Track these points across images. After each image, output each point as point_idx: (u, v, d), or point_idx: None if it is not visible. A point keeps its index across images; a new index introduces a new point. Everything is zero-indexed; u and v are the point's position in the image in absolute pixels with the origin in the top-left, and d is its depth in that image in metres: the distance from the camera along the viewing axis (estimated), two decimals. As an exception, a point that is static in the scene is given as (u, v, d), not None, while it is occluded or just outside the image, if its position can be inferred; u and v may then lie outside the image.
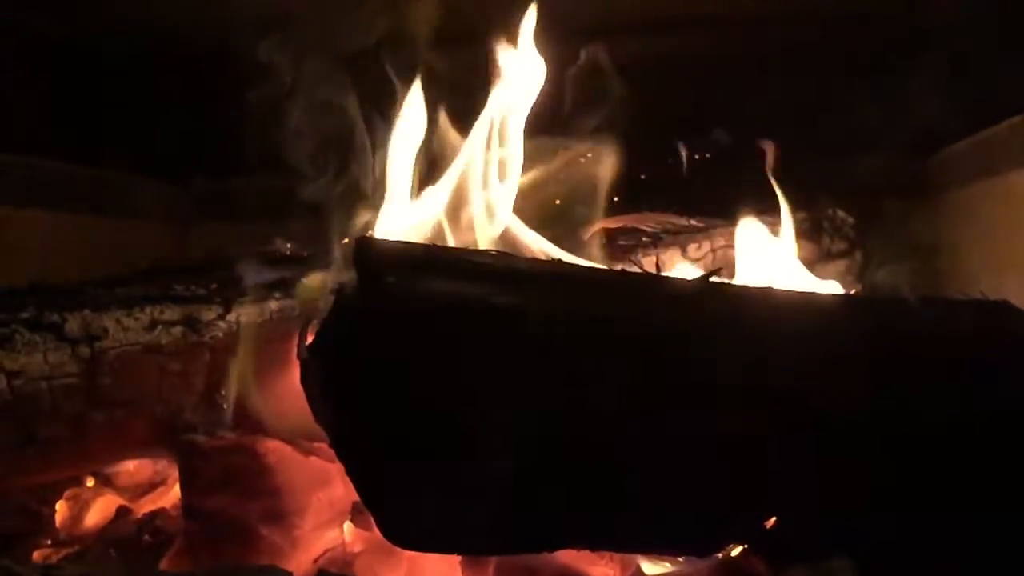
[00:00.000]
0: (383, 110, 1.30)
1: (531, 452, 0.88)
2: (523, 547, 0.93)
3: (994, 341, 0.98)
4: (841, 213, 1.61)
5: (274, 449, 1.12)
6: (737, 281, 1.22)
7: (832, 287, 1.29)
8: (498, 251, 0.95)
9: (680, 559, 0.99)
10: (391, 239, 1.20)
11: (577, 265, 1.02)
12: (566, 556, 0.98)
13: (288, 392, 1.11)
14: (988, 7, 1.68)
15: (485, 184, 1.26)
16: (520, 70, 1.29)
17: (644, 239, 1.54)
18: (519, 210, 1.28)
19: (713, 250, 1.49)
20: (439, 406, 0.87)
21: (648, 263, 1.51)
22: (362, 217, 1.29)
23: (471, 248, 1.17)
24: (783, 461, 0.91)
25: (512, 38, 1.30)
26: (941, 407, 0.93)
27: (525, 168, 1.31)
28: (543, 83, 1.29)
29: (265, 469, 1.11)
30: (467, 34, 1.27)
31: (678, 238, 1.52)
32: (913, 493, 0.92)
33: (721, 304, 0.97)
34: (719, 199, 1.50)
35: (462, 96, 1.33)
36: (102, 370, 1.12)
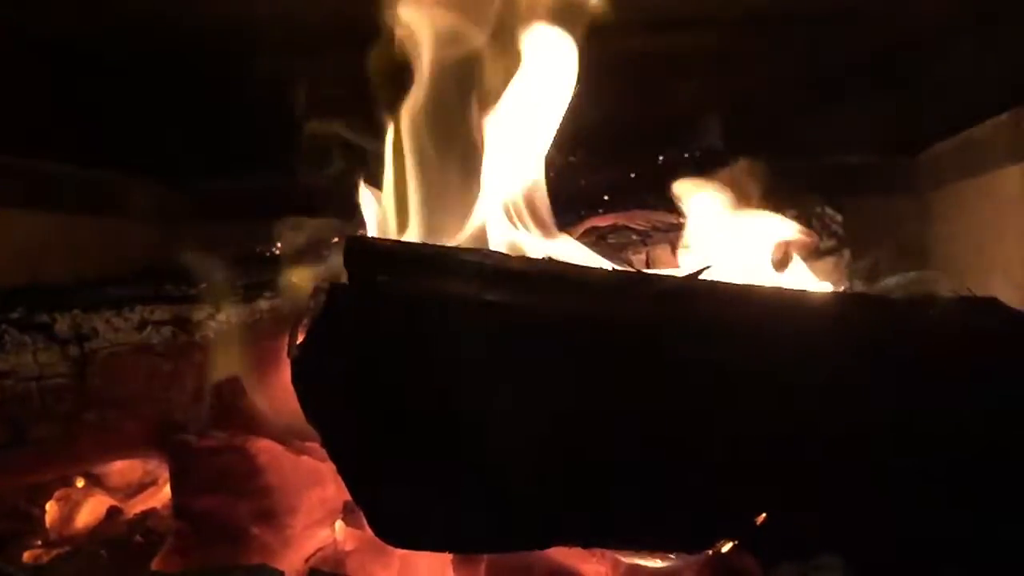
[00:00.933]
0: (377, 108, 1.31)
1: (522, 450, 0.88)
2: (515, 545, 0.94)
3: (982, 338, 0.99)
4: (830, 210, 1.61)
5: (265, 449, 1.12)
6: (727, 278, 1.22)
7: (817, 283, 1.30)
8: (489, 249, 0.95)
9: (671, 556, 0.99)
10: (382, 238, 1.20)
11: (567, 263, 1.02)
12: (558, 553, 0.98)
13: (279, 391, 1.11)
14: (972, 5, 1.68)
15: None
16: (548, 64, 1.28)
17: (634, 237, 1.55)
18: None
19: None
20: (430, 404, 0.87)
21: (638, 261, 1.51)
22: (354, 216, 1.30)
23: (462, 247, 1.17)
24: (772, 458, 0.91)
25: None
26: (929, 404, 0.93)
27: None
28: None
29: (256, 469, 1.11)
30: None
31: (668, 236, 1.53)
32: (903, 490, 0.93)
33: (711, 301, 0.97)
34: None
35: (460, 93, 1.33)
36: (92, 370, 1.13)
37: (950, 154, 1.93)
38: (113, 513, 1.30)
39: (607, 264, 1.18)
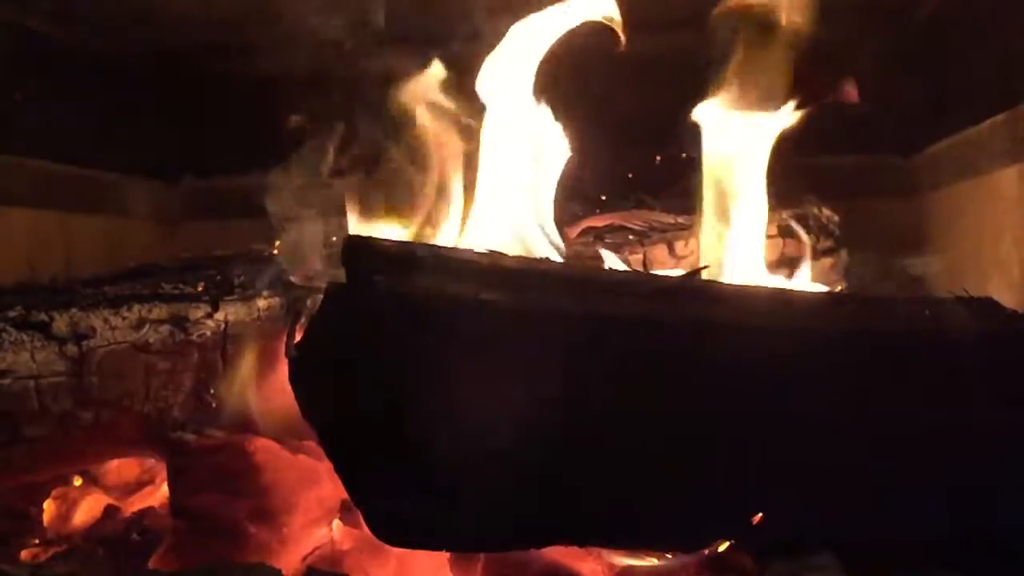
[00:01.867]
0: (374, 106, 1.31)
1: (518, 450, 0.88)
2: (511, 544, 0.94)
3: (978, 338, 0.99)
4: (827, 211, 1.62)
5: (262, 447, 1.12)
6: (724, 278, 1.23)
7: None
8: (486, 249, 0.95)
9: (666, 555, 1.00)
10: (380, 238, 1.20)
11: (565, 263, 1.03)
12: (554, 553, 0.99)
13: (277, 391, 1.11)
14: (971, 6, 1.69)
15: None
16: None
17: (631, 237, 1.55)
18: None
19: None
20: (427, 404, 0.87)
21: (635, 261, 1.51)
22: (353, 215, 1.30)
23: (459, 247, 1.18)
24: (769, 457, 0.92)
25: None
26: (925, 404, 0.93)
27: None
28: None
29: (253, 468, 1.11)
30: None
31: (665, 236, 1.53)
32: (899, 489, 0.93)
33: (707, 301, 0.97)
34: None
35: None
36: (90, 369, 1.12)
37: (947, 155, 1.93)
38: (110, 512, 1.30)
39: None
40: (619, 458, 0.90)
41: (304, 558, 1.11)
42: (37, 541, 1.26)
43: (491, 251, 0.94)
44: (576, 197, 1.65)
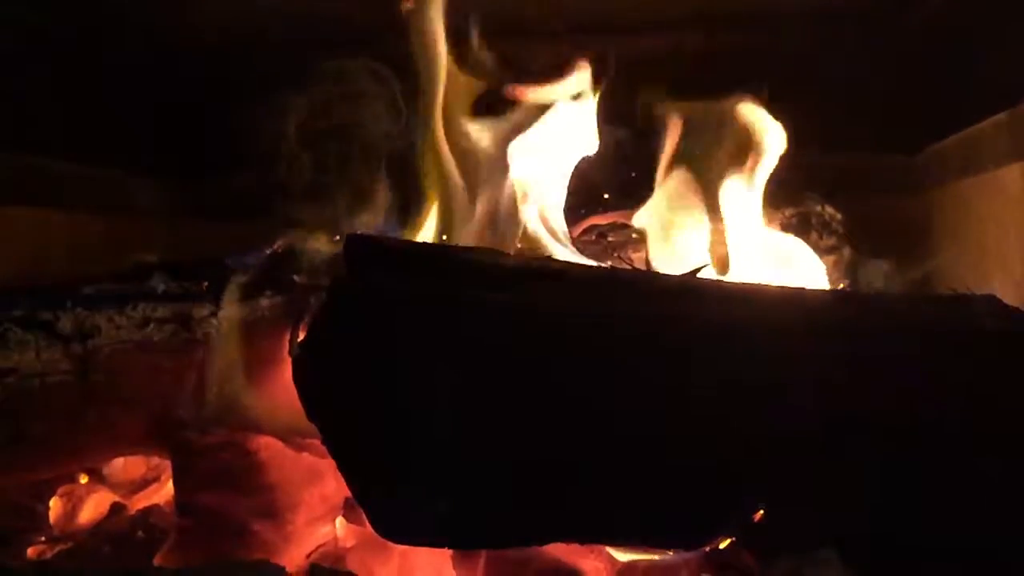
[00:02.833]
0: (379, 105, 1.31)
1: (520, 447, 0.89)
2: (513, 541, 0.94)
3: (980, 336, 0.99)
4: (830, 209, 1.61)
5: (266, 445, 1.12)
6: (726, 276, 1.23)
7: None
8: (487, 248, 0.96)
9: (668, 552, 1.00)
10: (381, 236, 1.21)
11: (566, 262, 1.03)
12: (556, 549, 0.99)
13: (280, 389, 1.11)
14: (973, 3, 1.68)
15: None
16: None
17: (634, 235, 1.55)
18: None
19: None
20: (428, 401, 0.88)
21: (638, 259, 1.51)
22: (357, 214, 1.30)
23: (461, 245, 1.18)
24: (771, 454, 0.92)
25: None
26: (928, 401, 0.93)
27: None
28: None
29: (257, 465, 1.11)
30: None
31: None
32: (901, 487, 0.93)
33: (709, 299, 0.98)
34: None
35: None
36: (95, 367, 1.13)
37: (951, 152, 1.92)
38: (116, 509, 1.30)
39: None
40: (619, 455, 0.90)
41: (308, 555, 1.11)
42: (43, 538, 1.26)
43: (492, 250, 0.95)
44: (580, 195, 1.66)
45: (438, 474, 0.89)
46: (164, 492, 1.31)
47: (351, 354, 0.90)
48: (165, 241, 2.15)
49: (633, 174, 1.60)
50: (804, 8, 1.85)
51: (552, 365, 0.89)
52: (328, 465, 1.05)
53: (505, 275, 0.92)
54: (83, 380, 1.12)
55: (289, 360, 0.99)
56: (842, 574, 0.91)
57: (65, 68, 1.87)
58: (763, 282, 1.20)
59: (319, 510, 1.14)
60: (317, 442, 1.05)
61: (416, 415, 0.89)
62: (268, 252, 1.34)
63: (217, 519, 1.10)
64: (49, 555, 1.21)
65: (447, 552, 1.04)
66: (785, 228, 1.55)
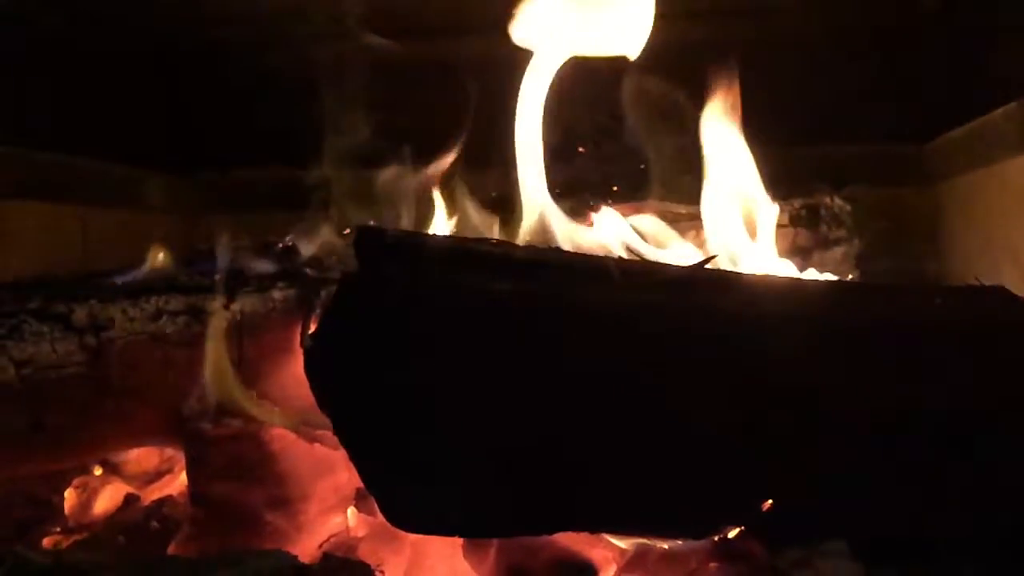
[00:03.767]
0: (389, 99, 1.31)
1: (530, 436, 0.89)
2: (523, 530, 0.95)
3: (989, 327, 0.99)
4: (839, 200, 1.61)
5: (279, 437, 1.13)
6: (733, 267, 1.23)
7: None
8: (497, 239, 0.96)
9: (678, 541, 1.00)
10: (392, 229, 1.21)
11: (576, 253, 1.03)
12: (565, 538, 1.00)
13: (292, 380, 1.12)
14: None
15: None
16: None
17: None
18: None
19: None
20: (439, 392, 0.88)
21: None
22: (368, 207, 1.31)
23: (471, 237, 1.18)
24: (779, 444, 0.92)
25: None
26: (936, 392, 0.94)
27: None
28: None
29: (270, 456, 1.12)
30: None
31: (678, 226, 1.53)
32: (910, 478, 0.94)
33: (718, 290, 0.98)
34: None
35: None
36: (109, 359, 1.13)
37: (960, 143, 1.92)
38: (130, 500, 1.31)
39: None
40: (628, 445, 0.91)
41: (320, 545, 1.12)
42: (59, 529, 1.27)
43: (502, 241, 0.95)
44: (589, 188, 1.66)
45: (449, 464, 0.90)
46: (178, 483, 1.32)
47: (362, 346, 0.91)
48: (178, 234, 2.16)
49: (642, 165, 1.61)
50: None
51: (561, 356, 0.89)
52: (340, 456, 1.05)
53: (516, 266, 0.92)
54: (97, 372, 1.12)
55: (301, 352, 0.99)
56: (851, 565, 0.92)
57: (77, 64, 1.88)
58: (769, 273, 1.21)
59: (331, 500, 1.15)
60: (329, 433, 1.05)
61: (427, 405, 0.89)
62: (281, 244, 1.35)
63: (230, 509, 1.11)
64: (65, 545, 1.22)
65: (458, 541, 1.04)
66: (794, 220, 1.55)
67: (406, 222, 1.32)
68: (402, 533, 1.01)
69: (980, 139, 1.81)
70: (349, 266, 0.96)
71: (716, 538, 0.97)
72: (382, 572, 0.99)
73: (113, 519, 1.28)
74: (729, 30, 1.94)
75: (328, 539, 1.13)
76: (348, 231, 1.31)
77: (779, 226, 1.51)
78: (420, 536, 1.03)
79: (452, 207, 1.36)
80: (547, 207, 1.23)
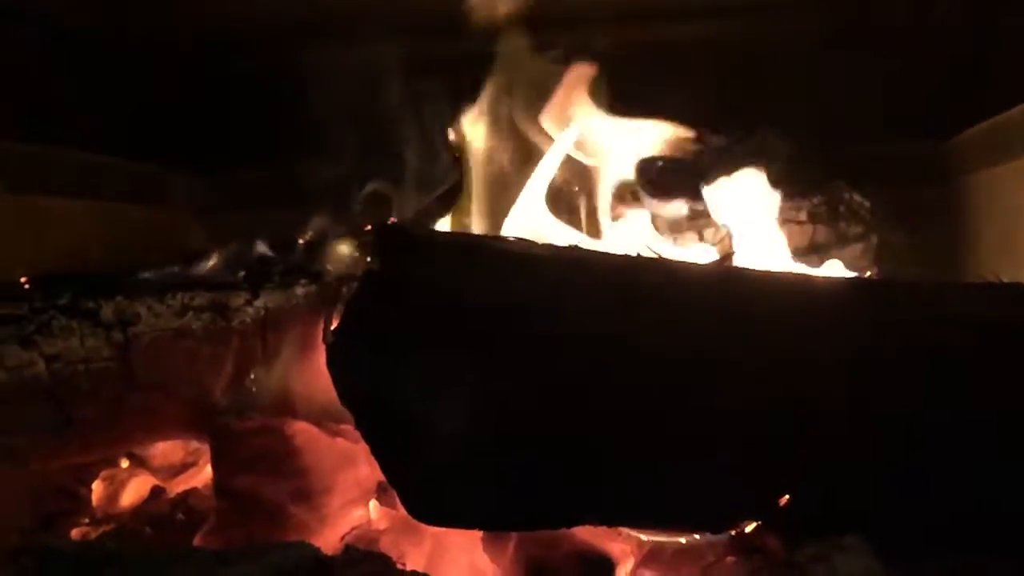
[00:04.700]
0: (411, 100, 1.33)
1: (550, 431, 0.90)
2: (543, 523, 0.96)
3: (1009, 323, 0.99)
4: (857, 197, 1.61)
5: (301, 431, 1.14)
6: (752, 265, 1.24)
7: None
8: (516, 237, 0.97)
9: (695, 536, 1.01)
10: (413, 226, 1.23)
11: (594, 251, 1.04)
12: (584, 532, 1.00)
13: (315, 375, 1.13)
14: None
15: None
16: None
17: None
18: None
19: (729, 235, 1.49)
20: (459, 387, 0.89)
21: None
22: (387, 204, 1.32)
23: (491, 234, 1.19)
24: (797, 439, 0.93)
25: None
26: (957, 388, 0.94)
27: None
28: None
29: (293, 450, 1.13)
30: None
31: (695, 223, 1.53)
32: (929, 475, 0.94)
33: (736, 287, 0.98)
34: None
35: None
36: (136, 354, 1.15)
37: (980, 140, 1.91)
38: (156, 492, 1.33)
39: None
40: (647, 439, 0.91)
41: (342, 537, 1.13)
42: (87, 520, 1.29)
43: (523, 239, 0.96)
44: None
45: (469, 458, 0.91)
46: (203, 476, 1.34)
47: (383, 341, 0.92)
48: (203, 232, 2.18)
49: (660, 162, 1.61)
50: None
51: (582, 352, 0.90)
52: (361, 449, 1.06)
53: (536, 263, 0.93)
54: (124, 366, 1.14)
55: (323, 347, 1.00)
56: (868, 560, 0.92)
57: (103, 63, 1.90)
58: (788, 270, 1.21)
59: (353, 493, 1.16)
60: (351, 427, 1.07)
61: (447, 400, 0.90)
62: (303, 240, 1.36)
63: (254, 502, 1.12)
64: (92, 536, 1.24)
65: (478, 534, 1.05)
66: (812, 216, 1.55)
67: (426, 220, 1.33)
68: (423, 526, 1.01)
69: (999, 136, 1.80)
70: (370, 263, 0.97)
71: (733, 532, 0.98)
72: (403, 564, 1.00)
73: (140, 511, 1.30)
74: (748, 25, 1.94)
75: (350, 531, 1.15)
76: (369, 228, 1.32)
77: (797, 222, 1.52)
78: (440, 529, 1.03)
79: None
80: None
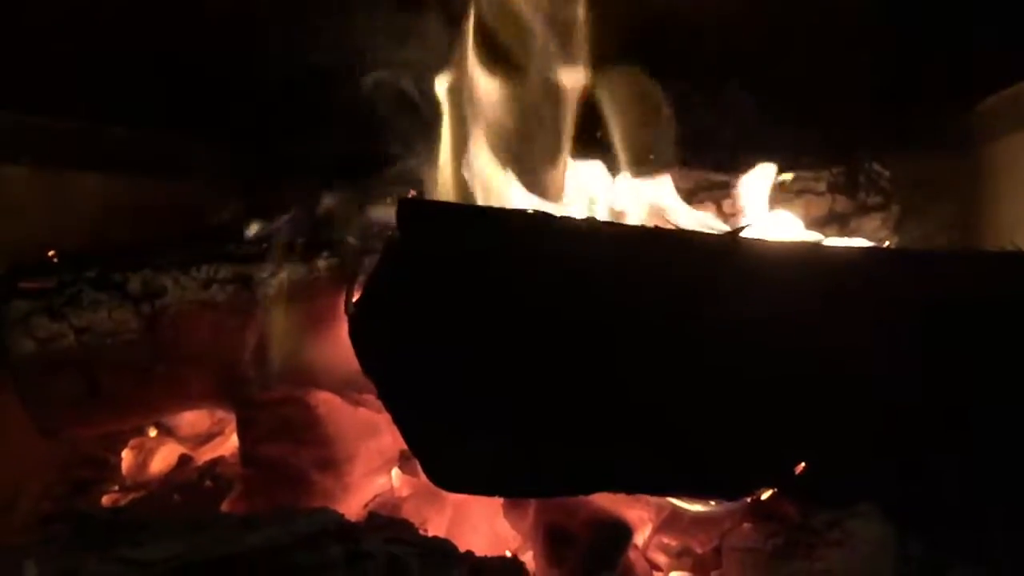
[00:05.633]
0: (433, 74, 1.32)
1: (569, 400, 0.91)
2: (562, 490, 0.97)
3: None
4: (877, 166, 1.59)
5: (325, 400, 1.16)
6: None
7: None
8: (535, 209, 0.97)
9: (712, 502, 1.02)
10: (432, 199, 1.23)
11: (611, 222, 1.04)
12: (603, 499, 1.01)
13: (337, 346, 1.15)
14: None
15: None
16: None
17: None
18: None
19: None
20: (479, 355, 0.91)
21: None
22: (411, 178, 1.32)
23: (508, 207, 1.20)
24: (812, 408, 0.94)
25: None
26: (970, 356, 0.94)
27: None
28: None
29: (317, 419, 1.15)
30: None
31: (712, 194, 1.53)
32: (942, 442, 0.94)
33: (753, 257, 0.98)
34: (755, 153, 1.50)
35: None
36: (162, 326, 1.17)
37: (1004, 106, 1.88)
38: (184, 460, 1.36)
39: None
40: (665, 407, 0.92)
41: (365, 504, 1.15)
42: (117, 487, 1.32)
43: (539, 210, 0.96)
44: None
45: (490, 426, 0.92)
46: (229, 444, 1.36)
47: (404, 312, 0.93)
48: (227, 205, 2.19)
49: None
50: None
51: (602, 321, 0.91)
52: (384, 419, 1.08)
53: (550, 233, 0.93)
54: (152, 338, 1.16)
55: (345, 318, 1.02)
56: (881, 527, 0.93)
57: (124, 35, 1.90)
58: (804, 240, 1.21)
59: (375, 462, 1.18)
60: (373, 397, 1.08)
61: (467, 370, 0.92)
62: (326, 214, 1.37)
63: (279, 470, 1.14)
64: (122, 503, 1.27)
65: (498, 501, 1.07)
66: (832, 187, 1.54)
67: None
68: (444, 493, 1.03)
69: (1022, 103, 1.78)
70: (391, 235, 0.98)
71: (750, 499, 0.99)
72: (425, 530, 1.01)
73: (168, 478, 1.33)
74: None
75: (373, 499, 1.17)
76: (390, 201, 1.33)
77: (816, 193, 1.51)
78: (462, 496, 1.05)
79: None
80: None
